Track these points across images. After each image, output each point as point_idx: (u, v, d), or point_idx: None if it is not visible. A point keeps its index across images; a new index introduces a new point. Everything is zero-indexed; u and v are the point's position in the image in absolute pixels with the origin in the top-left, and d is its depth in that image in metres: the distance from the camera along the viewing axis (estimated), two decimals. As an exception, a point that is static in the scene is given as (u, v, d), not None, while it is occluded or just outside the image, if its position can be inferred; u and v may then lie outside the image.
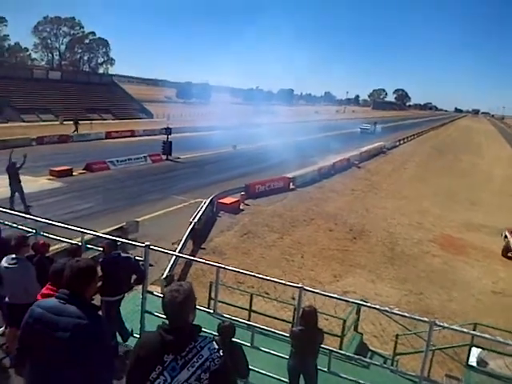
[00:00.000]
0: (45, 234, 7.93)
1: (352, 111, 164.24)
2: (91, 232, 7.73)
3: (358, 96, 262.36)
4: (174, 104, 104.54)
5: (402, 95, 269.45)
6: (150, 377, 2.59)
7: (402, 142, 66.97)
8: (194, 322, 2.76)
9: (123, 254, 6.54)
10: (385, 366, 8.52)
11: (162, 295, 8.54)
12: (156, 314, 6.13)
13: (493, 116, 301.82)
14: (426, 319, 5.76)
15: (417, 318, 6.27)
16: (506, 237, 20.37)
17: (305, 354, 5.78)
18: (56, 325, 2.85)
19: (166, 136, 35.46)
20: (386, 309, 7.18)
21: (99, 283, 5.80)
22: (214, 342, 2.71)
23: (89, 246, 7.90)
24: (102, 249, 6.83)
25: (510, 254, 19.35)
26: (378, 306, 7.49)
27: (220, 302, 8.57)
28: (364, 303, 7.96)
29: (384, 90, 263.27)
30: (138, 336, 6.27)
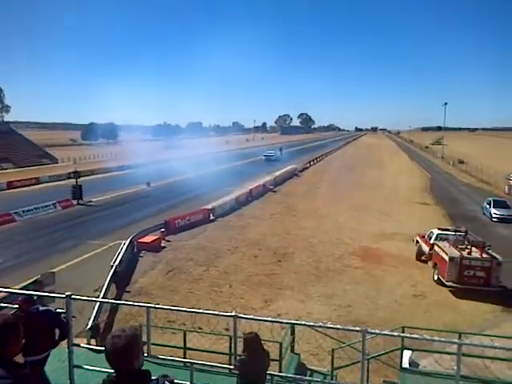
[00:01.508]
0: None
1: (261, 138, 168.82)
2: (3, 289, 7.13)
3: (265, 123, 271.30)
4: (80, 147, 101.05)
5: (307, 119, 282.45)
6: None
7: (312, 163, 69.68)
8: None
9: (41, 308, 6.07)
10: (325, 382, 8.60)
11: (90, 347, 8.02)
12: (85, 367, 5.74)
13: (390, 132, 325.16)
14: (358, 328, 5.91)
15: (349, 328, 6.44)
16: (417, 242, 21.71)
17: (253, 381, 5.67)
18: None
19: (74, 180, 33.97)
20: (320, 324, 7.31)
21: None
22: (166, 382, 2.57)
23: (2, 304, 7.25)
24: (17, 306, 6.28)
25: (423, 258, 20.58)
26: (311, 323, 7.58)
27: (153, 344, 8.22)
28: (298, 322, 8.03)
29: (289, 116, 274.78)
30: (69, 394, 5.82)
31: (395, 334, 6.86)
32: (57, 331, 6.07)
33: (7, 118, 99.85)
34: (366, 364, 8.51)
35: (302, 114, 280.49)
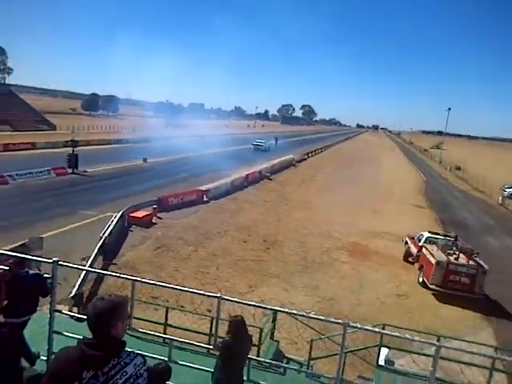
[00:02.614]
0: None
1: (262, 125, 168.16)
2: (-11, 250, 7.08)
3: (267, 111, 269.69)
4: (79, 116, 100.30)
5: (309, 111, 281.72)
6: None
7: (310, 155, 69.59)
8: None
9: (31, 272, 6.07)
10: (301, 370, 8.68)
11: (71, 314, 8.03)
12: (65, 333, 5.74)
13: (390, 132, 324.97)
14: (340, 321, 5.94)
15: (331, 320, 6.45)
16: (406, 243, 21.86)
17: (234, 364, 5.69)
18: None
19: (71, 149, 33.74)
20: (303, 313, 7.33)
21: (4, 303, 5.35)
22: (139, 357, 2.53)
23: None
24: (7, 268, 6.26)
25: (410, 259, 20.72)
26: (294, 311, 7.62)
27: (135, 318, 8.24)
28: (281, 309, 8.07)
29: (292, 106, 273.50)
30: (46, 358, 5.83)
31: (376, 329, 6.89)
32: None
33: (8, 80, 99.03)
34: (344, 357, 8.61)
35: (304, 106, 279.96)
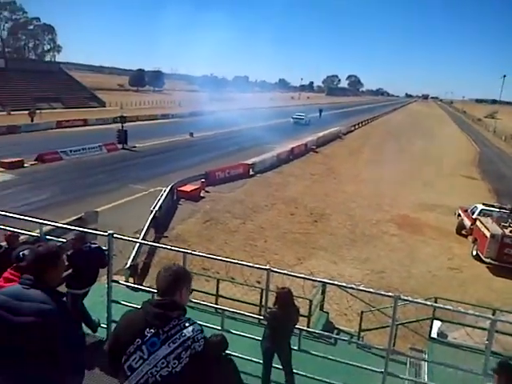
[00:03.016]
0: (1, 227, 7.55)
1: (307, 97, 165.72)
2: (50, 223, 7.42)
3: (312, 82, 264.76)
4: (127, 92, 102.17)
5: (355, 81, 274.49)
6: (127, 351, 2.44)
7: (356, 127, 68.13)
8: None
9: (93, 246, 6.32)
10: (352, 341, 8.69)
11: (127, 284, 8.33)
12: (123, 302, 5.97)
13: (441, 101, 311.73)
14: (391, 294, 5.87)
15: (382, 293, 6.40)
16: (459, 215, 21.18)
17: (281, 334, 5.77)
18: (18, 310, 2.67)
19: (120, 124, 34.58)
20: (352, 286, 7.31)
21: (66, 272, 5.60)
22: (197, 324, 2.61)
23: (48, 237, 7.58)
24: (70, 244, 6.51)
25: (463, 232, 20.11)
26: (344, 284, 7.60)
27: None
28: (330, 281, 8.07)
29: (337, 77, 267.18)
30: (105, 326, 6.12)
31: (428, 303, 6.77)
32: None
33: (58, 58, 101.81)
34: (395, 330, 8.55)
35: (350, 76, 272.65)
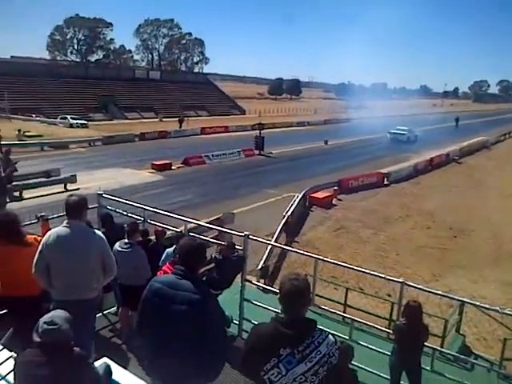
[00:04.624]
0: (152, 222, 8.39)
1: (450, 104, 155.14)
2: (194, 221, 8.02)
3: (457, 88, 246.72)
4: (266, 100, 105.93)
5: (508, 87, 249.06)
6: (265, 367, 2.53)
7: (507, 136, 61.89)
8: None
9: (239, 255, 6.62)
10: (493, 369, 7.97)
11: (259, 285, 8.64)
12: (254, 302, 6.24)
13: None
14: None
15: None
16: None
17: (408, 350, 5.57)
18: (172, 298, 3.02)
19: (258, 131, 36.04)
20: (497, 309, 6.71)
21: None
22: (330, 336, 2.63)
23: (191, 233, 8.22)
24: (220, 250, 6.83)
25: None
26: (486, 305, 7.02)
27: (316, 295, 8.55)
28: (471, 301, 7.50)
29: (486, 82, 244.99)
30: (238, 323, 6.42)
31: None
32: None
33: (205, 69, 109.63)
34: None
35: (502, 81, 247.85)
